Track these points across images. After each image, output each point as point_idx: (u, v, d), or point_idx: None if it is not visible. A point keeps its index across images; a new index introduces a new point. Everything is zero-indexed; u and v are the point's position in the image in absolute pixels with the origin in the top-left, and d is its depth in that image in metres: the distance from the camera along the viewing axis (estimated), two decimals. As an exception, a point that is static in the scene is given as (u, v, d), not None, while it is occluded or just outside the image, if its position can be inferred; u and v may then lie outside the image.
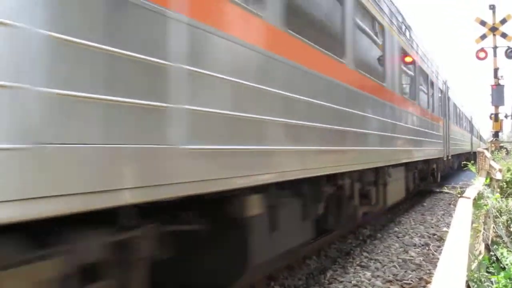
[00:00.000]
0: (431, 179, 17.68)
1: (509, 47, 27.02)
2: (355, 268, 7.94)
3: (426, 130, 14.78)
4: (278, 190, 5.58)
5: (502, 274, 6.02)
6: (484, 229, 7.42)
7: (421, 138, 13.74)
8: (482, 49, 27.27)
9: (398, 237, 10.33)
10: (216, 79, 4.11)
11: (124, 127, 3.12)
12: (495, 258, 7.38)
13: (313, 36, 6.25)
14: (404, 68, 12.56)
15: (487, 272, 6.45)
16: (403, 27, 12.17)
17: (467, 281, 4.49)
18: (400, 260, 8.48)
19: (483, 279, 5.59)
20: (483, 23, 27.22)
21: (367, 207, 9.64)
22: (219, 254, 4.96)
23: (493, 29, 26.99)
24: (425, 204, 16.09)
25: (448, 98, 21.72)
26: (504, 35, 27.04)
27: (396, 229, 11.26)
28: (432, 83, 17.05)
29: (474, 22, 27.35)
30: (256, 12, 4.84)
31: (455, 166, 25.09)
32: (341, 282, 7.18)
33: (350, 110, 7.59)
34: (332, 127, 6.71)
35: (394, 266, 8.11)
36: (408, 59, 12.58)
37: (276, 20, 5.24)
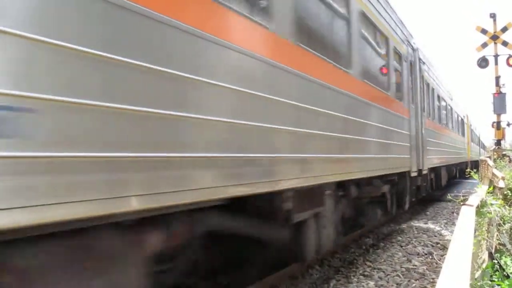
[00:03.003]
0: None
1: (510, 55, 27.01)
2: (358, 278, 7.90)
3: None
4: None
5: (506, 282, 5.98)
6: (487, 237, 7.37)
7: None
8: (483, 57, 27.28)
9: (401, 246, 10.29)
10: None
11: None
12: (498, 266, 7.34)
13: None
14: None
15: (491, 280, 6.41)
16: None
17: (470, 290, 4.45)
18: (403, 269, 8.44)
19: (486, 287, 5.55)
20: (484, 31, 27.24)
21: None
22: None
23: (494, 38, 27.00)
24: (428, 212, 16.05)
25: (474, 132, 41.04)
26: (505, 43, 27.03)
27: (399, 238, 11.21)
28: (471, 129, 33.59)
29: (475, 31, 27.38)
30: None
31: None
32: (344, 291, 7.16)
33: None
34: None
35: (398, 275, 8.07)
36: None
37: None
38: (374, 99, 9.07)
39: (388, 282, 7.71)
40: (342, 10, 7.55)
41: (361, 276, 8.00)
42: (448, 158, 19.56)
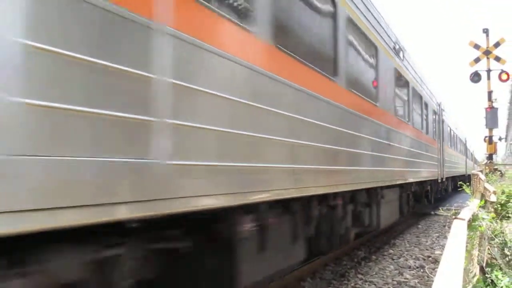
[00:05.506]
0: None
1: (502, 70, 27.23)
2: (350, 290, 7.90)
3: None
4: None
5: (497, 296, 6.00)
6: (479, 251, 7.39)
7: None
8: (476, 72, 27.49)
9: (393, 259, 10.30)
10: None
11: None
12: (490, 281, 7.35)
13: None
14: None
15: (482, 294, 6.41)
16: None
17: (462, 304, 4.46)
18: (395, 282, 8.44)
19: (478, 302, 5.56)
20: (477, 46, 27.47)
21: None
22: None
23: (487, 53, 27.23)
24: (419, 226, 16.08)
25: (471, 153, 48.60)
26: (497, 59, 27.27)
27: (391, 251, 11.23)
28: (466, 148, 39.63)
29: (468, 46, 27.61)
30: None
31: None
32: (336, 304, 7.15)
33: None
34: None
35: (389, 289, 8.08)
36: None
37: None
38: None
39: (379, 295, 7.71)
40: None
41: (352, 289, 8.00)
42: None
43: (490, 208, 11.13)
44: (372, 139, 9.18)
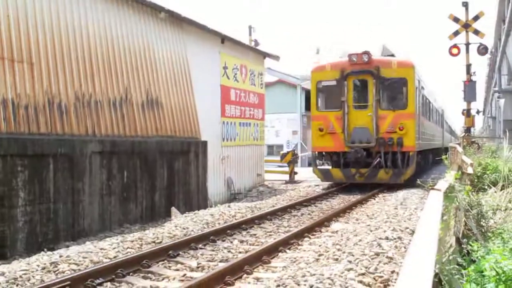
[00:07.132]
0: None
1: (481, 44, 27.35)
2: (327, 261, 7.93)
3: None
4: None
5: (472, 267, 6.06)
6: (455, 222, 7.46)
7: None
8: (455, 45, 27.58)
9: (371, 231, 10.35)
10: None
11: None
12: (466, 251, 7.44)
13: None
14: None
15: (458, 265, 6.49)
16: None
17: (438, 274, 4.49)
18: (372, 253, 8.48)
19: (454, 272, 5.61)
20: (456, 19, 27.51)
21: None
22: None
23: (466, 26, 27.30)
24: (398, 197, 16.21)
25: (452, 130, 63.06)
26: (476, 32, 27.36)
27: (369, 222, 11.29)
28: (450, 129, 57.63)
29: (448, 19, 27.65)
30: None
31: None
32: (313, 275, 7.17)
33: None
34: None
35: (367, 259, 8.11)
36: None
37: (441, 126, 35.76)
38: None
39: (357, 265, 7.74)
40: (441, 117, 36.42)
41: (330, 259, 8.03)
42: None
43: (466, 180, 11.25)
44: (435, 134, 27.95)
